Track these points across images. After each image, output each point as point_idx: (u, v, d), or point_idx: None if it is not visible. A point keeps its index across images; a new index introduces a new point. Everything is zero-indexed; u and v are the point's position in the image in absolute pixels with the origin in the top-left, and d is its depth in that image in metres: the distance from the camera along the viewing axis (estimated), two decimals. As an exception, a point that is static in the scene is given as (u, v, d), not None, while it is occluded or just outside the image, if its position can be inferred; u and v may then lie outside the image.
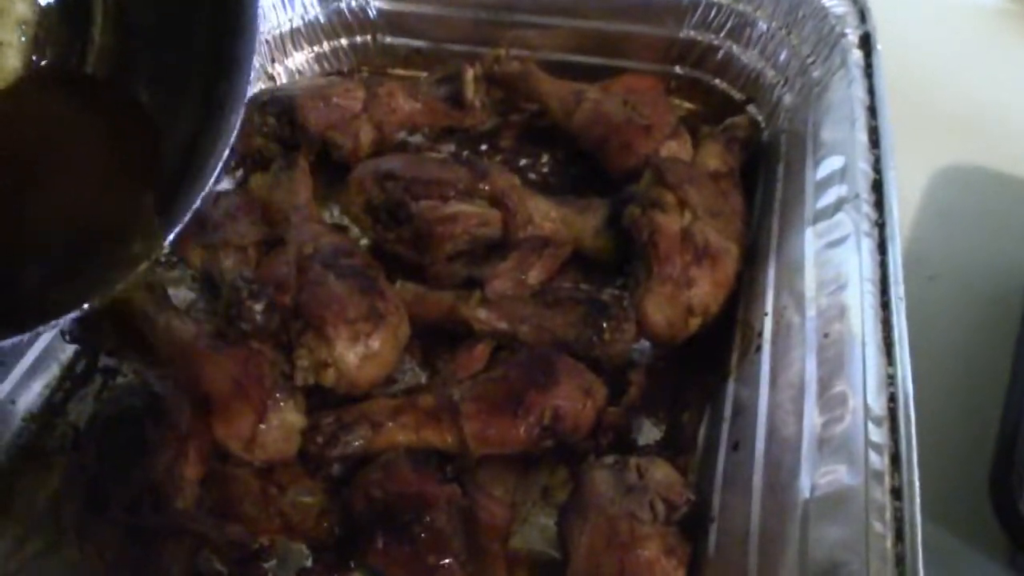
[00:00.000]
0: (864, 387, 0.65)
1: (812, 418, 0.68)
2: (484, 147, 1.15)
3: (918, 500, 0.58)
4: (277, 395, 0.78)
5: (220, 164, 0.73)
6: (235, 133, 0.73)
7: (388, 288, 0.86)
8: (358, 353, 0.81)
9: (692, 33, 1.13)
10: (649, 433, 0.85)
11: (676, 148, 1.00)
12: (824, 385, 0.69)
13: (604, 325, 0.85)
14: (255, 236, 0.90)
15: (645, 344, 0.90)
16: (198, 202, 0.71)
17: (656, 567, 0.68)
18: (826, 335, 0.72)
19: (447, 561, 0.71)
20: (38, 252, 0.72)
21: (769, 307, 0.81)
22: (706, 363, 0.88)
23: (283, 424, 0.78)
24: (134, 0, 0.79)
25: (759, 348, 0.80)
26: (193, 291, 0.98)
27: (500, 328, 0.88)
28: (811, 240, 0.81)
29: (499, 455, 0.80)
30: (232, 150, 1.09)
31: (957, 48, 1.36)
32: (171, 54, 0.77)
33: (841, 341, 0.70)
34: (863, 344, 0.68)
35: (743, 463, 0.73)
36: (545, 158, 1.13)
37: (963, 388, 0.89)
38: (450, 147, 1.15)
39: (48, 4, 0.77)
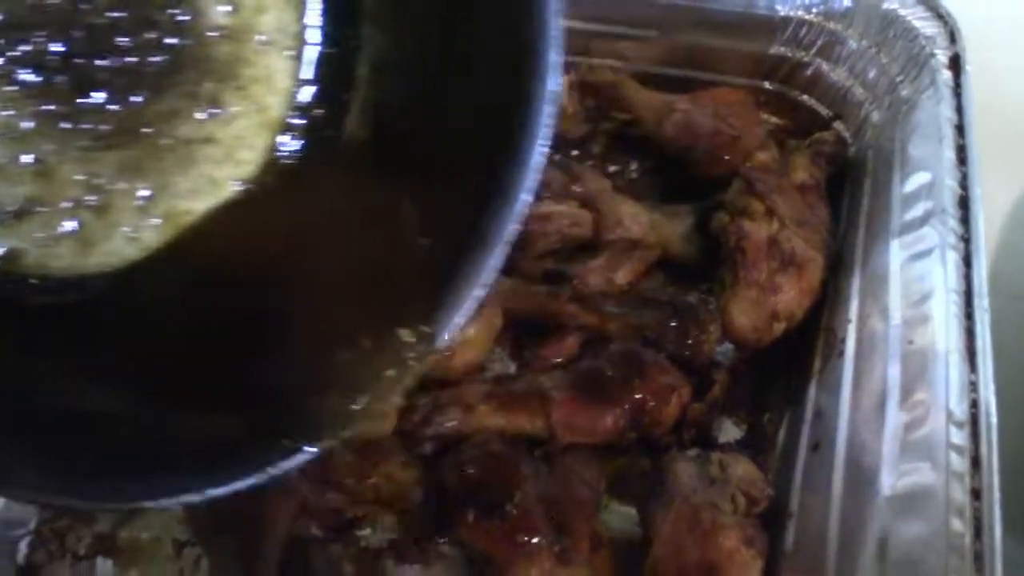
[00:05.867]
0: (947, 392, 0.68)
1: (893, 421, 0.70)
2: (575, 152, 1.18)
3: (998, 502, 0.61)
4: (376, 373, 0.83)
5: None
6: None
7: (485, 280, 0.91)
8: (454, 339, 0.85)
9: (782, 49, 1.15)
10: (729, 432, 0.88)
11: (764, 159, 1.02)
12: (906, 390, 0.71)
13: (691, 326, 0.89)
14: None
15: (728, 346, 0.92)
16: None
17: (736, 555, 0.71)
18: (910, 342, 0.74)
19: (536, 540, 0.74)
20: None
21: (853, 315, 0.84)
22: (788, 367, 0.90)
23: (382, 402, 0.83)
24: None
25: (842, 353, 0.82)
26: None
27: (590, 322, 0.91)
28: (897, 251, 0.83)
29: (584, 443, 0.84)
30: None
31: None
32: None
33: (924, 348, 0.72)
34: (947, 351, 0.70)
35: (823, 463, 0.76)
36: (634, 165, 1.16)
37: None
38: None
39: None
